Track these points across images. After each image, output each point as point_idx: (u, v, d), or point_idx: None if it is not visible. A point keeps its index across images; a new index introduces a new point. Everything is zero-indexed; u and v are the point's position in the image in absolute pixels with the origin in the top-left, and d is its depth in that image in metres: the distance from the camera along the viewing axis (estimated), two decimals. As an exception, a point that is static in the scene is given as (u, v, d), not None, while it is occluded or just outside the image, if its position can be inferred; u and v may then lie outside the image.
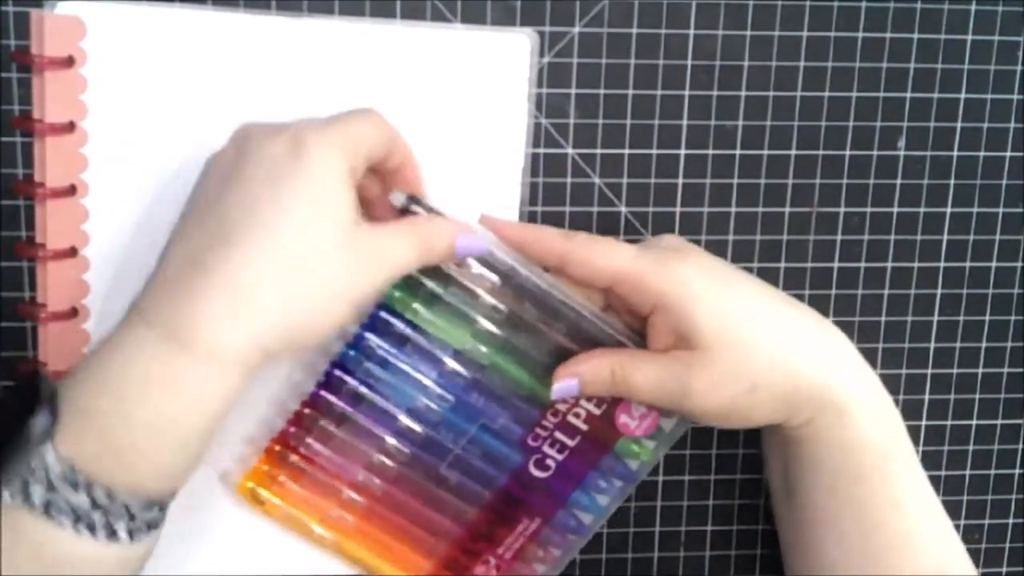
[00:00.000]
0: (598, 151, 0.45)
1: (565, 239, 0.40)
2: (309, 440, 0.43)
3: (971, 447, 0.49)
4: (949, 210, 0.47)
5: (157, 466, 0.34)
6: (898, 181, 0.47)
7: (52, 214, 0.41)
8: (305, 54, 0.42)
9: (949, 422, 0.49)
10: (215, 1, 0.42)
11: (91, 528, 0.33)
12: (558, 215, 0.45)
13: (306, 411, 0.43)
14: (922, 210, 0.47)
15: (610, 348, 0.41)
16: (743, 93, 0.45)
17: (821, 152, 0.46)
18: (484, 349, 0.42)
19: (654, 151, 0.45)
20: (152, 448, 0.33)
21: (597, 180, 0.45)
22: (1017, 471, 0.50)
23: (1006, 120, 0.47)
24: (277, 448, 0.43)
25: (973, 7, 0.46)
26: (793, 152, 0.46)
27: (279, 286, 0.34)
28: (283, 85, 0.42)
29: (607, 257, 0.39)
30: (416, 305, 0.41)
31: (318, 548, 0.45)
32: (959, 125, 0.47)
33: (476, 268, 0.41)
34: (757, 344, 0.39)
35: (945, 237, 0.47)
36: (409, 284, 0.41)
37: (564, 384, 0.40)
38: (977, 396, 0.49)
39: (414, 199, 0.40)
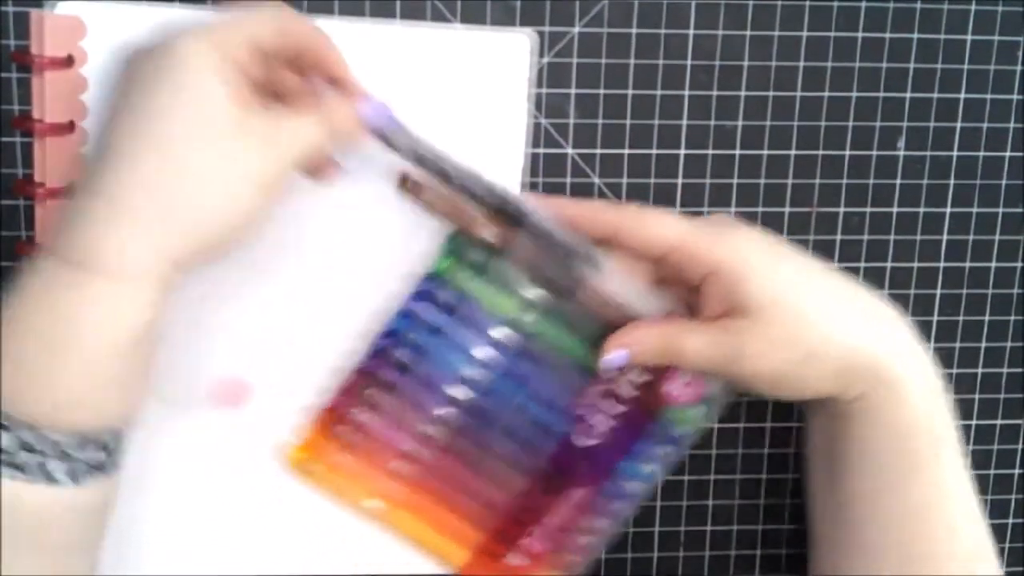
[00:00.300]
0: (598, 151, 0.45)
1: (618, 211, 0.40)
2: (359, 410, 0.43)
3: (971, 447, 0.49)
4: (949, 210, 0.47)
5: (70, 391, 0.33)
6: (898, 181, 0.47)
7: (52, 213, 0.41)
8: (305, 54, 0.42)
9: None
10: (215, 1, 0.42)
11: (24, 469, 0.33)
12: (558, 215, 0.45)
13: (356, 381, 0.43)
14: (922, 210, 0.47)
15: (659, 318, 0.41)
16: (743, 93, 0.45)
17: (821, 152, 0.46)
18: (532, 318, 0.42)
19: (654, 151, 0.45)
20: (64, 372, 0.33)
21: (597, 180, 0.45)
22: (1017, 471, 0.50)
23: (1006, 120, 0.47)
24: (327, 419, 0.44)
25: (973, 7, 0.46)
26: (793, 152, 0.46)
27: (171, 192, 0.34)
28: (283, 85, 0.42)
29: (662, 227, 0.40)
30: (464, 274, 0.42)
31: (367, 519, 0.45)
32: (959, 125, 0.47)
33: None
34: (812, 314, 0.39)
35: (945, 237, 0.47)
36: (457, 254, 0.42)
37: (615, 355, 0.40)
38: (977, 396, 0.49)
39: (337, 85, 0.39)
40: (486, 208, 0.40)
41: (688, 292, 0.41)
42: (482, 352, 0.43)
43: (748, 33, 0.45)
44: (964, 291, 0.48)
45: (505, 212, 0.40)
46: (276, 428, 0.44)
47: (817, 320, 0.39)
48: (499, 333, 0.42)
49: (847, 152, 0.46)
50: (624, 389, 0.43)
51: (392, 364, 0.43)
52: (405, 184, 0.42)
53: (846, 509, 0.41)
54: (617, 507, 0.45)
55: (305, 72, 0.40)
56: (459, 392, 0.43)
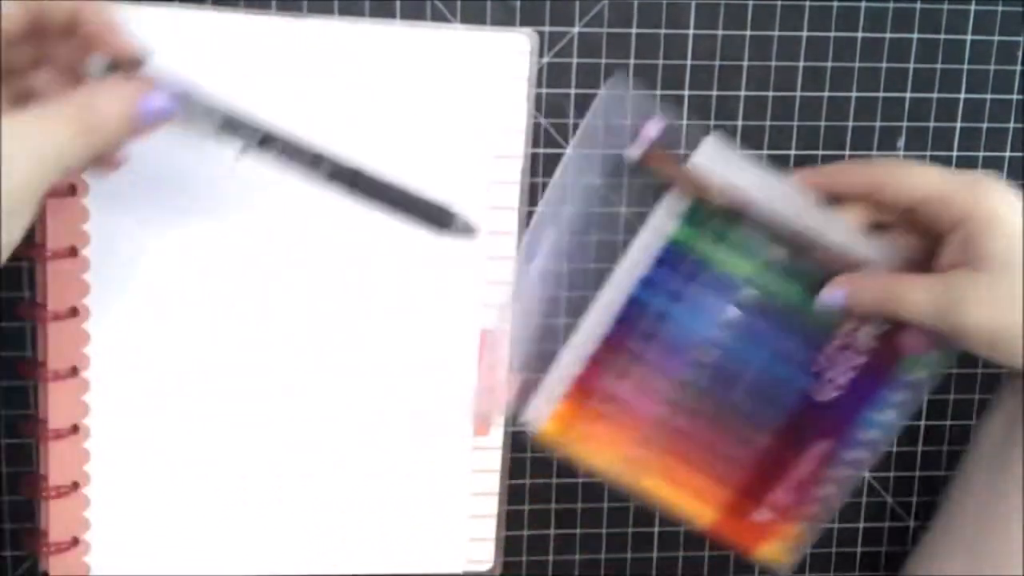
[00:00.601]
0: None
1: (872, 167, 0.42)
2: (608, 380, 0.44)
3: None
4: (949, 210, 0.47)
5: None
6: (898, 181, 0.47)
7: (52, 214, 0.41)
8: (305, 54, 0.42)
9: (949, 422, 0.49)
10: (215, 1, 0.42)
11: None
12: (558, 215, 0.45)
13: (604, 351, 0.44)
14: (922, 210, 0.47)
15: (885, 271, 0.42)
16: (743, 93, 0.45)
17: (821, 152, 0.46)
18: (770, 277, 0.43)
19: (654, 151, 0.45)
20: None
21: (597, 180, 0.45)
22: (1017, 471, 0.50)
23: (1006, 120, 0.47)
24: (578, 390, 0.45)
25: (973, 7, 0.46)
26: (793, 152, 0.46)
27: None
28: (283, 85, 0.42)
29: (924, 175, 0.40)
30: (704, 240, 0.43)
31: (618, 486, 0.46)
32: (959, 125, 0.47)
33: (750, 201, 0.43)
34: None
35: (945, 237, 0.47)
36: (696, 221, 0.43)
37: (832, 294, 0.42)
38: (977, 396, 0.49)
39: (120, 65, 0.34)
40: (319, 174, 0.37)
41: (925, 245, 0.41)
42: (723, 315, 0.44)
43: (748, 33, 0.45)
44: (964, 291, 0.48)
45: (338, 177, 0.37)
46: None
47: None
48: (739, 295, 0.44)
49: (847, 152, 0.46)
50: (862, 341, 0.44)
51: (638, 332, 0.44)
52: (644, 158, 0.43)
53: (1006, 501, 0.41)
54: (857, 456, 0.46)
55: (86, 48, 0.34)
56: (702, 355, 0.44)
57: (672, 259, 0.44)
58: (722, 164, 0.43)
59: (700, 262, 0.44)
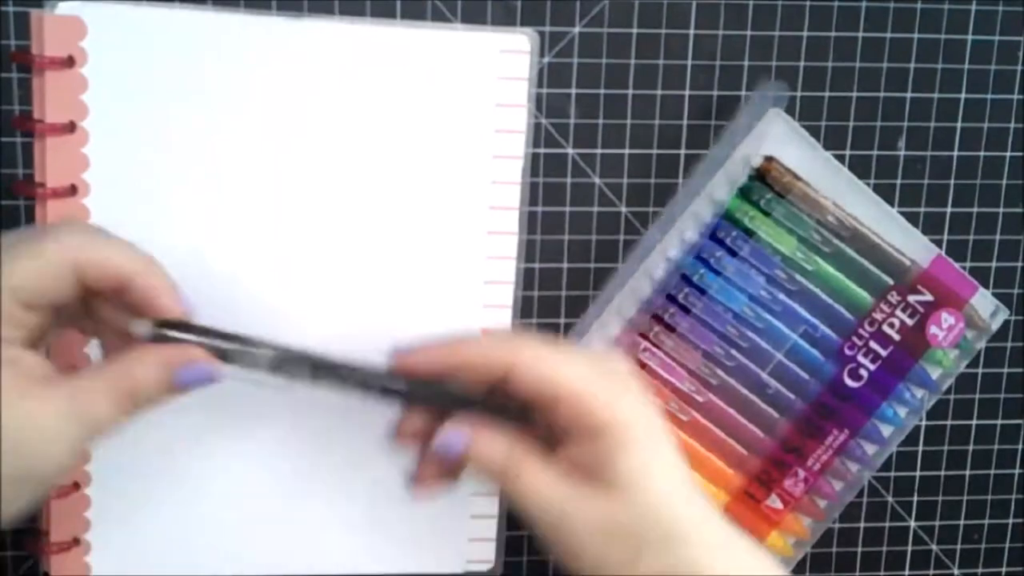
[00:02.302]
0: (598, 151, 0.45)
1: (499, 345, 0.36)
2: (643, 350, 0.45)
3: (971, 447, 0.49)
4: (949, 210, 0.47)
5: None
6: (898, 181, 0.47)
7: (53, 214, 0.41)
8: (305, 54, 0.42)
9: (949, 422, 0.49)
10: (215, 1, 0.42)
11: None
12: (558, 215, 0.45)
13: (643, 318, 0.45)
14: (922, 210, 0.47)
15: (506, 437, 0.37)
16: (743, 93, 0.45)
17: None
18: (810, 256, 0.44)
19: (654, 151, 0.45)
20: None
21: (597, 180, 0.45)
22: (1017, 471, 0.50)
23: (1006, 120, 0.47)
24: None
25: (973, 7, 0.46)
26: (793, 152, 0.46)
27: None
28: (283, 85, 0.42)
29: (552, 371, 0.35)
30: (753, 213, 0.44)
31: None
32: (959, 125, 0.47)
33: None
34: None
35: (945, 237, 0.47)
36: (747, 194, 0.44)
37: (450, 437, 0.36)
38: (977, 396, 0.49)
39: (166, 325, 0.34)
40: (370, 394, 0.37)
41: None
42: (759, 292, 0.44)
43: (748, 33, 0.45)
44: (964, 291, 0.48)
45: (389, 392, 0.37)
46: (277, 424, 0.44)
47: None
48: (778, 273, 0.44)
49: (847, 152, 0.46)
50: (892, 331, 0.45)
51: (677, 304, 0.44)
52: (765, 167, 0.44)
53: None
54: (870, 452, 0.46)
55: (134, 310, 0.35)
56: (735, 332, 0.45)
57: (721, 230, 0.44)
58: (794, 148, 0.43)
59: (744, 236, 0.44)
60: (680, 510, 0.35)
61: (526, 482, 0.36)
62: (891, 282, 0.45)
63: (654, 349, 0.45)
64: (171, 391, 0.34)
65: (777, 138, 0.44)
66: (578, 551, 0.35)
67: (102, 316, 0.36)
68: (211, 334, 0.35)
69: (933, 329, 0.45)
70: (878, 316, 0.45)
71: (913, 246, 0.45)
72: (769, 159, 0.44)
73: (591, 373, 0.36)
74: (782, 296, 0.45)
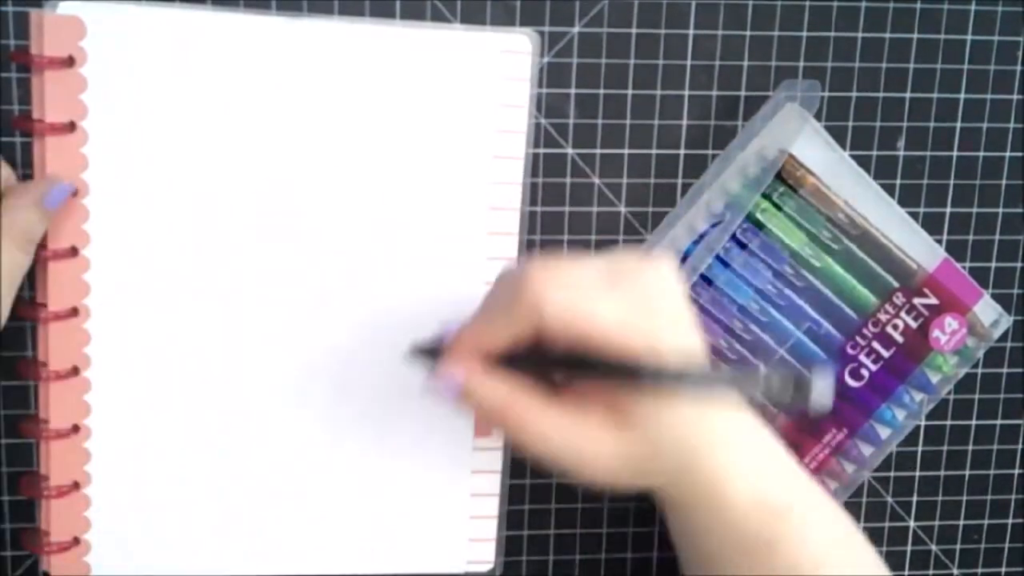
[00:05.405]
0: (598, 151, 0.45)
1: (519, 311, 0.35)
2: None
3: (971, 447, 0.49)
4: (949, 210, 0.47)
5: None
6: (898, 181, 0.47)
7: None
8: (305, 54, 0.42)
9: (949, 422, 0.49)
10: (215, 1, 0.42)
11: None
12: (558, 215, 0.45)
13: None
14: (922, 210, 0.47)
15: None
16: (743, 93, 0.45)
17: (821, 152, 0.46)
18: (819, 253, 0.44)
19: (654, 151, 0.45)
20: None
21: (597, 180, 0.45)
22: (1016, 471, 0.50)
23: (1006, 120, 0.47)
24: None
25: (973, 7, 0.46)
26: (793, 152, 0.46)
27: None
28: (283, 85, 0.42)
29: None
30: (765, 204, 0.44)
31: None
32: (959, 125, 0.47)
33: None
34: None
35: (945, 237, 0.47)
36: (761, 186, 0.44)
37: (447, 379, 0.37)
38: (977, 396, 0.49)
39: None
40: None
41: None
42: (768, 283, 0.44)
43: (748, 33, 0.45)
44: (964, 291, 0.48)
45: None
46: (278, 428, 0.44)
47: None
48: (786, 268, 0.44)
49: (848, 152, 0.46)
50: (895, 332, 0.45)
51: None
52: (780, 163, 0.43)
53: None
54: (867, 453, 0.46)
55: None
56: (739, 325, 0.45)
57: (727, 219, 0.44)
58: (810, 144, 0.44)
59: (754, 227, 0.44)
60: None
61: (527, 419, 0.35)
62: (897, 284, 0.45)
63: None
64: (49, 216, 0.40)
65: (793, 134, 0.44)
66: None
67: None
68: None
69: (936, 333, 0.45)
70: (882, 317, 0.45)
71: (920, 249, 0.45)
72: (783, 152, 0.44)
73: (619, 309, 0.34)
74: (788, 292, 0.45)
